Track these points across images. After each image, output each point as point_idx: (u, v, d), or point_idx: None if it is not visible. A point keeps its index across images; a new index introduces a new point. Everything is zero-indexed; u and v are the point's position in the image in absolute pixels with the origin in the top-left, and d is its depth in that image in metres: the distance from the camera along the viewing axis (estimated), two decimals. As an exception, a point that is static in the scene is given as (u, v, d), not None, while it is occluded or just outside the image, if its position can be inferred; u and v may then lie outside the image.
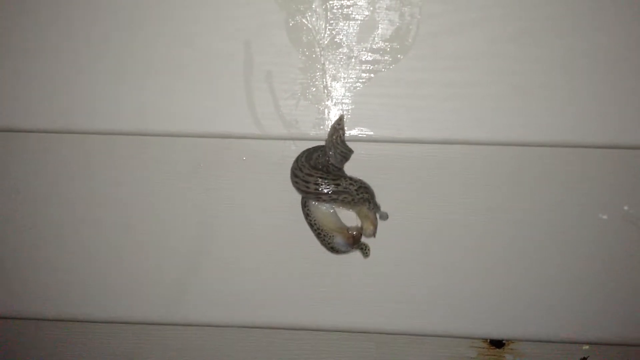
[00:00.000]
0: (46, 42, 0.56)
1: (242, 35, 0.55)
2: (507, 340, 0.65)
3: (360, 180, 0.55)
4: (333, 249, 0.56)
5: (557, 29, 0.54)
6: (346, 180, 0.54)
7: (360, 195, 0.54)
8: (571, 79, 0.54)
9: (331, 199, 0.54)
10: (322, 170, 0.54)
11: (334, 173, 0.55)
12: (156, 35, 0.56)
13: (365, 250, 0.57)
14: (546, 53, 0.54)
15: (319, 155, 0.55)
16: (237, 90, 0.56)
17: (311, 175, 0.54)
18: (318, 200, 0.55)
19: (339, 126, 0.55)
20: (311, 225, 0.56)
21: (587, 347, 0.65)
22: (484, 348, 0.66)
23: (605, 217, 0.58)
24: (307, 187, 0.54)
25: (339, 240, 0.56)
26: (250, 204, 0.60)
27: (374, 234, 0.56)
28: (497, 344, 0.66)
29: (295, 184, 0.55)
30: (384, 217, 0.57)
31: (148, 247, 0.61)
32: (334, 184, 0.54)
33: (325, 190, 0.54)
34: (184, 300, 0.62)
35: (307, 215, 0.56)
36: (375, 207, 0.56)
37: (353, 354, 0.66)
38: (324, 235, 0.56)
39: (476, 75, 0.55)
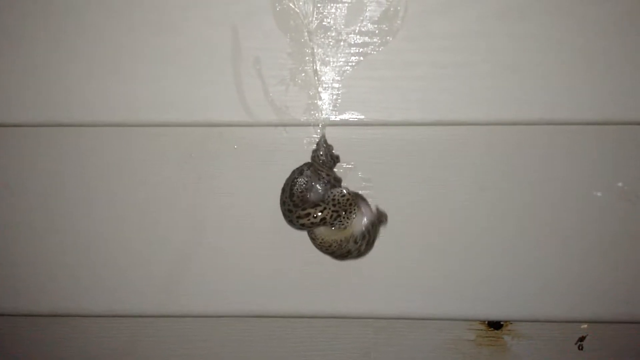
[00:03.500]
0: (32, 34, 0.55)
1: (229, 22, 0.55)
2: (505, 322, 0.65)
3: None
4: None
5: (546, 5, 0.53)
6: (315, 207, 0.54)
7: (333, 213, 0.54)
8: (562, 56, 0.54)
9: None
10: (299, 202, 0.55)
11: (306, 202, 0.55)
12: (143, 24, 0.55)
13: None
14: (536, 29, 0.54)
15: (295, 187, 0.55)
16: (225, 77, 0.55)
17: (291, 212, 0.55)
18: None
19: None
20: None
21: (585, 325, 0.65)
22: (482, 330, 0.65)
23: (599, 194, 0.58)
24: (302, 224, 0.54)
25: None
26: (243, 193, 0.59)
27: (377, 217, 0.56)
28: (495, 325, 0.65)
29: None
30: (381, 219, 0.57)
31: (141, 238, 0.61)
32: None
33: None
34: (178, 292, 0.62)
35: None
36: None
37: (351, 340, 0.66)
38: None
39: (466, 54, 0.54)
